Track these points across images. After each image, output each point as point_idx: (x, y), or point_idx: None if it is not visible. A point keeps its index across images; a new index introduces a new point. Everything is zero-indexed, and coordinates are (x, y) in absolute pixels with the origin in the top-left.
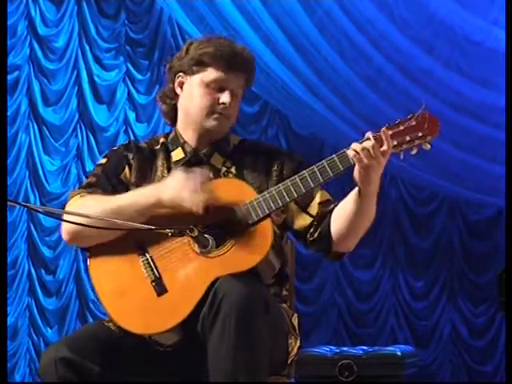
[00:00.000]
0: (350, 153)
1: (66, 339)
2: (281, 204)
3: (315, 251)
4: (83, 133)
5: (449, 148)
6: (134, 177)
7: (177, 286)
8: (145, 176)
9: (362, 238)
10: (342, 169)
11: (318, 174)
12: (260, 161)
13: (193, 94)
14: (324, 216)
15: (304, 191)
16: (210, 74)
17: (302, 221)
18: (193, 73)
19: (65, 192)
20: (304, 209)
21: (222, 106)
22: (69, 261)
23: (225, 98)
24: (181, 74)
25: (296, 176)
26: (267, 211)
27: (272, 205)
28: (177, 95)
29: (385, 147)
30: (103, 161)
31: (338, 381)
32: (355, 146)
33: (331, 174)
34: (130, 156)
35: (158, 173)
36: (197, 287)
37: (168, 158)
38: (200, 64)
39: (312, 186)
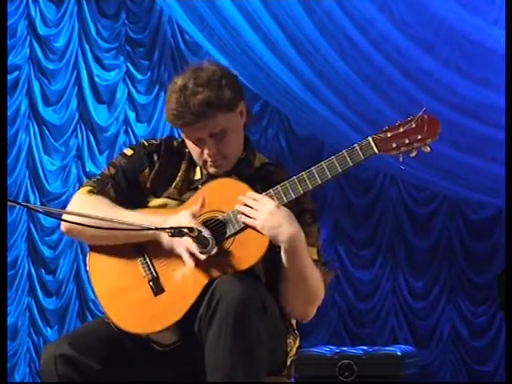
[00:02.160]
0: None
1: (66, 336)
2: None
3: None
4: (83, 133)
5: (449, 148)
6: (150, 180)
7: (174, 286)
8: (162, 181)
9: (361, 238)
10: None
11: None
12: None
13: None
14: None
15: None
16: (183, 132)
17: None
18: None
19: (65, 192)
20: None
21: (206, 156)
22: (69, 261)
23: (205, 151)
24: None
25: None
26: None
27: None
28: None
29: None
30: (129, 153)
31: (338, 381)
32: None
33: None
34: (156, 157)
35: (175, 181)
36: (194, 287)
37: (189, 169)
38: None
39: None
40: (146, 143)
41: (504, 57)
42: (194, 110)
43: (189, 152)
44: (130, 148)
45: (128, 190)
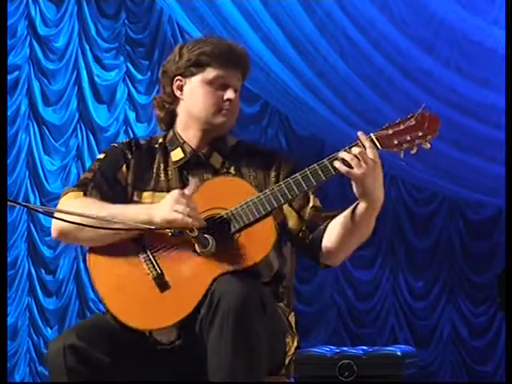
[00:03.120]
0: (337, 164)
1: (72, 329)
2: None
3: (304, 256)
4: (83, 133)
5: (449, 148)
6: (130, 177)
7: (179, 283)
8: (142, 176)
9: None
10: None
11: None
12: (258, 163)
13: (196, 95)
14: (316, 223)
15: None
16: (210, 72)
17: (294, 222)
18: (192, 74)
19: None
20: (297, 211)
21: (227, 102)
22: (69, 261)
23: (229, 94)
24: (178, 77)
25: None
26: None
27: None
28: (176, 98)
29: (369, 154)
30: (101, 156)
31: (338, 381)
32: (344, 154)
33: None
34: (129, 155)
35: (154, 173)
36: (199, 285)
37: (166, 158)
38: (198, 64)
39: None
40: (116, 144)
41: (504, 57)
42: (237, 53)
43: (160, 144)
44: (103, 152)
45: (110, 190)
